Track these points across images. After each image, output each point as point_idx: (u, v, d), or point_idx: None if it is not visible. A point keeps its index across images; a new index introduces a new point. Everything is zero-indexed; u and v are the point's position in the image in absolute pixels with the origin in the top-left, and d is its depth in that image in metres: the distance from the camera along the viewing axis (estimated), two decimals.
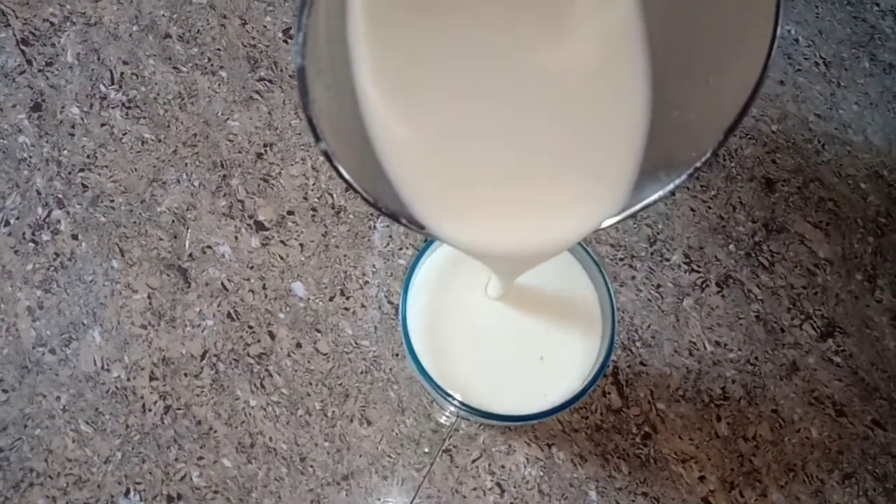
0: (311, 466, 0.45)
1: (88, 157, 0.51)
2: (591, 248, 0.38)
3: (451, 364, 0.34)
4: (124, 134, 0.52)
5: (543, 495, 0.46)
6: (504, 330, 0.36)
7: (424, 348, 0.34)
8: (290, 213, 0.50)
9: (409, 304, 0.34)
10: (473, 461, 0.46)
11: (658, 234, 0.52)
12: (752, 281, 0.51)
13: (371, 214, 0.51)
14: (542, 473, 0.46)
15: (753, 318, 0.50)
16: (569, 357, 0.35)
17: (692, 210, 0.53)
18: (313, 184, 0.51)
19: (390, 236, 0.50)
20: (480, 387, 0.34)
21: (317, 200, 0.51)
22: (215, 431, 0.46)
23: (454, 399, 0.33)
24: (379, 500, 0.45)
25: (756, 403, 0.48)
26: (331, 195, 0.51)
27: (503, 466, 0.46)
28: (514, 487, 0.46)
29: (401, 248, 0.50)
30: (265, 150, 0.52)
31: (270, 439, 0.46)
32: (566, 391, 0.34)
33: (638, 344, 0.49)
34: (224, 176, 0.51)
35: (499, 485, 0.46)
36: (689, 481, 0.46)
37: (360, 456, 0.46)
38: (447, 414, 0.46)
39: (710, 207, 0.53)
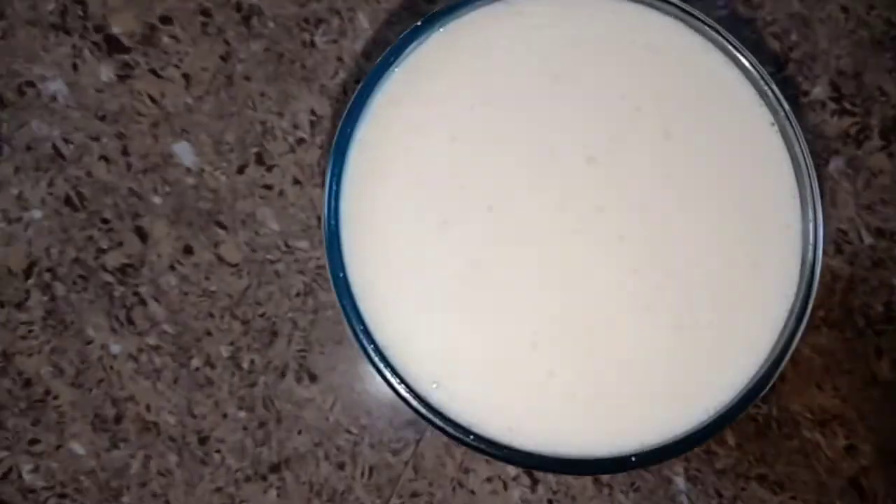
0: (219, 451, 0.30)
1: None
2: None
3: (440, 335, 0.18)
4: None
5: (602, 486, 0.30)
6: (564, 263, 0.19)
7: (377, 297, 0.17)
8: (166, 20, 0.31)
9: (346, 199, 0.16)
10: None
11: (790, 50, 0.34)
12: None
13: (307, 20, 0.32)
14: None
15: None
16: (717, 328, 0.18)
17: (844, 10, 0.35)
18: None
19: (339, 58, 0.32)
20: (506, 400, 0.17)
21: None
22: (56, 398, 0.30)
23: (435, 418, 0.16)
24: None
25: None
26: None
27: None
28: (554, 476, 0.30)
29: (358, 80, 0.31)
30: None
31: (148, 408, 0.30)
32: (707, 405, 0.17)
33: None
34: None
35: (530, 472, 0.30)
36: (829, 454, 0.32)
37: (300, 432, 0.30)
38: None
39: (873, 6, 0.35)
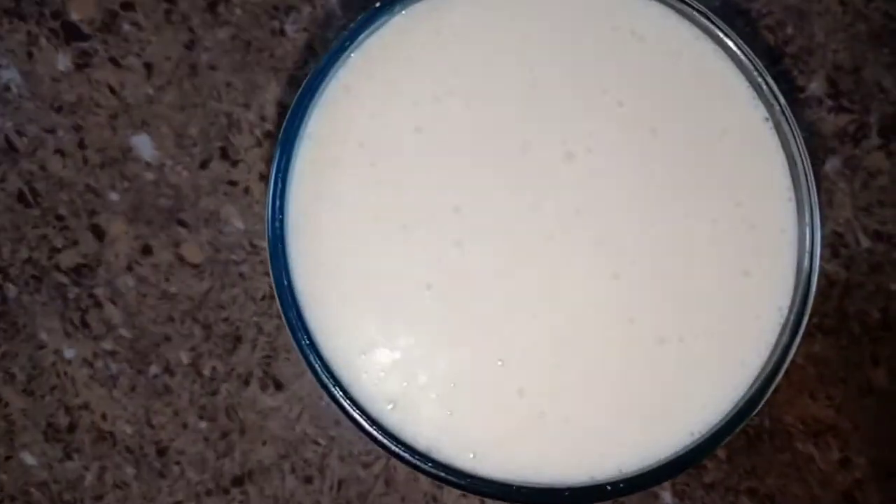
0: (178, 463, 0.30)
1: None
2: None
3: (397, 350, 0.17)
4: None
5: None
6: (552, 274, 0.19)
7: (327, 307, 0.17)
8: (127, 6, 0.31)
9: (294, 198, 0.16)
10: None
11: (785, 44, 0.33)
12: None
13: (276, 7, 0.31)
14: None
15: None
16: (704, 341, 0.18)
17: (842, 3, 0.34)
18: None
19: (310, 47, 0.30)
20: (470, 422, 0.17)
21: None
22: (6, 405, 0.30)
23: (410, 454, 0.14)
24: None
25: None
26: None
27: None
28: None
29: None
30: None
31: (103, 417, 0.30)
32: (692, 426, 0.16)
33: None
34: None
35: None
36: (823, 466, 0.32)
37: (264, 444, 0.30)
38: None
39: None
